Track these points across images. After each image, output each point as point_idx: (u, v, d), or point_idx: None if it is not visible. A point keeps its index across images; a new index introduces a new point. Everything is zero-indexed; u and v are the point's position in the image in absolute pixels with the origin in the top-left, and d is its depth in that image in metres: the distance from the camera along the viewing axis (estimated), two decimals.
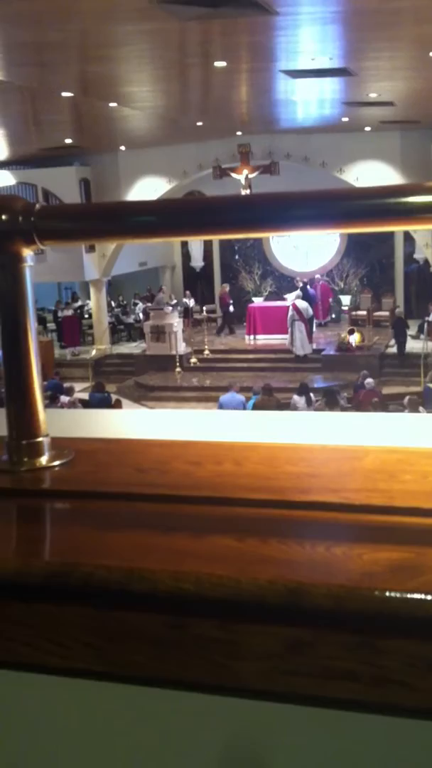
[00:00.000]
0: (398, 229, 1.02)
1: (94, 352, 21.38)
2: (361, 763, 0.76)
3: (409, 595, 0.69)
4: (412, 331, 20.86)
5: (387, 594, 0.69)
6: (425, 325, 19.69)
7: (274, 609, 0.72)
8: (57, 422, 1.09)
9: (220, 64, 11.32)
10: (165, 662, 0.77)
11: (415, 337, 20.39)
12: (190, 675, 0.76)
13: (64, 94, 12.77)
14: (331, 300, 23.00)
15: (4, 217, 1.00)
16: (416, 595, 0.68)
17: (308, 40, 10.70)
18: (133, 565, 0.78)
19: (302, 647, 0.72)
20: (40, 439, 1.05)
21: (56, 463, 1.04)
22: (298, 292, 20.97)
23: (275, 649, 0.73)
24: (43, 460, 1.04)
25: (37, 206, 1.01)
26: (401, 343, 19.53)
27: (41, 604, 0.80)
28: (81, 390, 17.06)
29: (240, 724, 0.80)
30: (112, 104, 14.07)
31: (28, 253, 1.03)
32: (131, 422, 1.46)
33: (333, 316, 23.20)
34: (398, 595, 0.69)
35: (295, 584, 0.72)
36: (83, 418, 1.54)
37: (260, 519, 0.88)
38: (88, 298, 23.31)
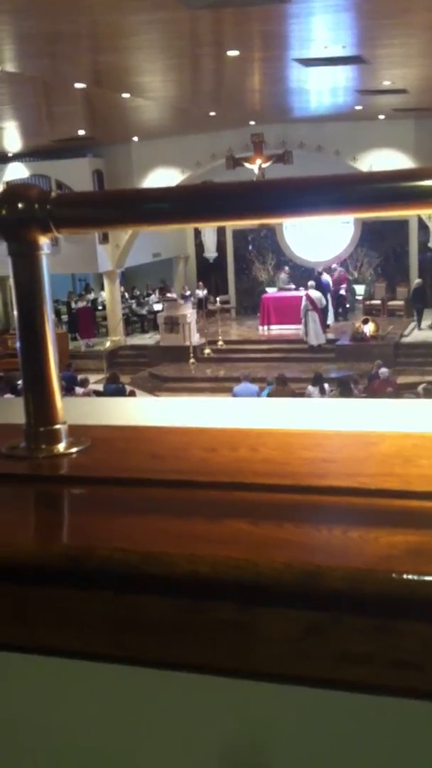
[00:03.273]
0: (411, 213, 1.01)
1: (108, 344, 21.42)
2: (377, 744, 0.77)
3: (426, 578, 0.69)
4: (427, 320, 20.85)
5: (404, 577, 0.69)
6: None
7: (290, 592, 0.72)
8: (74, 410, 1.10)
9: (232, 53, 11.27)
10: (182, 645, 0.77)
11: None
12: (207, 658, 0.77)
13: (77, 85, 12.75)
14: (344, 288, 22.92)
15: (20, 205, 1.01)
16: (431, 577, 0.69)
17: (321, 27, 10.64)
18: (150, 549, 0.79)
19: (319, 630, 0.73)
20: (57, 426, 1.06)
21: (73, 450, 1.05)
22: (311, 281, 20.91)
23: (292, 633, 0.73)
24: (61, 447, 1.05)
25: (53, 194, 1.02)
26: (420, 310, 19.77)
27: (59, 589, 0.80)
28: (95, 381, 17.11)
29: (256, 707, 0.80)
30: (125, 95, 14.05)
31: (44, 241, 1.03)
32: (147, 410, 1.47)
33: (348, 305, 23.13)
34: (415, 578, 0.69)
35: (312, 567, 0.73)
36: (100, 407, 1.55)
37: (276, 504, 0.89)
38: (102, 289, 23.34)
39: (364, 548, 0.77)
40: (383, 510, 0.84)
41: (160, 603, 0.77)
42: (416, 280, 21.43)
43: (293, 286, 22.56)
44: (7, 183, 13.64)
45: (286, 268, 23.48)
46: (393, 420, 1.20)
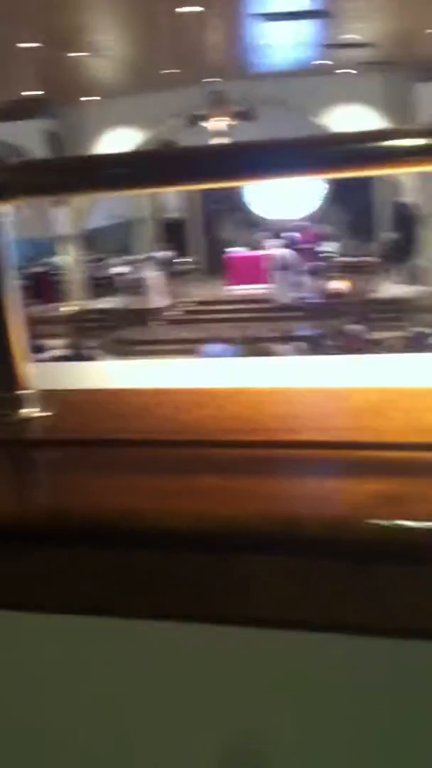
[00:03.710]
0: (376, 173, 1.09)
1: (69, 308, 21.00)
2: (363, 681, 0.80)
3: (397, 523, 0.72)
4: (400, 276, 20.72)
5: (376, 522, 0.73)
6: (414, 271, 19.47)
7: (270, 541, 0.75)
8: (41, 376, 1.10)
9: (192, 8, 10.81)
10: (164, 597, 0.80)
11: (402, 283, 20.22)
12: (190, 607, 0.80)
13: (26, 45, 12.19)
14: (314, 246, 22.65)
15: None
16: (403, 522, 0.72)
17: None
18: (127, 506, 0.82)
19: (298, 576, 0.76)
20: (24, 391, 1.07)
21: (41, 414, 1.07)
22: (279, 240, 20.63)
23: (273, 579, 0.76)
24: (28, 411, 1.07)
25: (8, 162, 0.97)
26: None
27: (39, 548, 0.82)
28: (61, 347, 16.80)
29: (243, 652, 0.82)
30: (79, 54, 13.50)
31: (3, 207, 1.04)
32: (113, 374, 1.52)
33: (320, 263, 22.87)
34: (387, 523, 0.73)
35: (291, 516, 0.76)
36: (67, 371, 1.58)
37: (247, 459, 0.91)
38: (66, 253, 22.81)
39: (338, 497, 0.81)
40: (356, 461, 0.88)
41: (140, 558, 0.80)
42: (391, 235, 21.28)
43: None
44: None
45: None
46: (363, 375, 1.24)
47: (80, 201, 20.65)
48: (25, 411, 1.06)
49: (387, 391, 1.05)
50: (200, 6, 10.79)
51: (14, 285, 1.06)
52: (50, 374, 1.36)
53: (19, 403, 1.07)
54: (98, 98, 19.55)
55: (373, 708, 0.81)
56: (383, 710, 0.80)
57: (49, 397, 1.10)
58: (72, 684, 0.89)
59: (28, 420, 1.06)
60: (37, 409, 1.07)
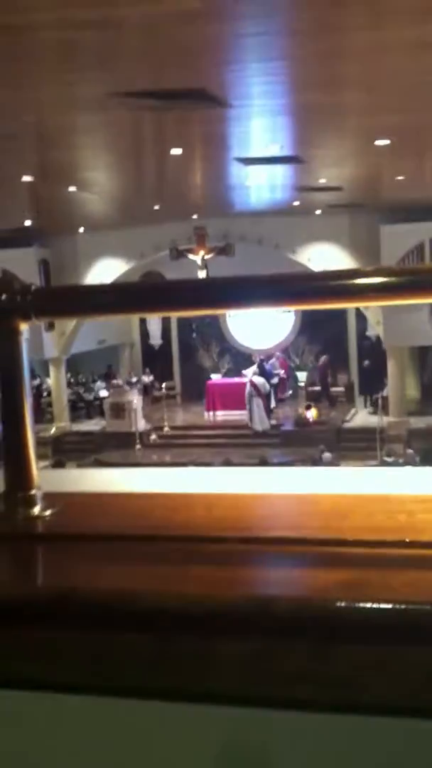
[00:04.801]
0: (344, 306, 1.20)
1: (53, 430, 21.29)
2: (325, 757, 0.86)
3: (358, 605, 0.82)
4: (366, 406, 21.38)
5: (338, 604, 0.82)
6: (379, 401, 20.08)
7: (246, 620, 0.84)
8: (46, 480, 1.21)
9: (175, 151, 11.74)
10: (155, 674, 0.88)
11: (372, 413, 20.78)
12: (178, 685, 0.87)
13: (24, 178, 13.09)
14: (283, 374, 23.34)
15: (3, 296, 1.16)
16: (364, 604, 0.82)
17: (260, 129, 11.23)
18: (124, 587, 0.92)
19: (269, 655, 0.84)
20: (33, 491, 1.17)
21: (47, 512, 1.17)
22: (254, 368, 21.28)
23: (246, 658, 0.85)
24: (36, 510, 1.17)
25: (33, 287, 1.19)
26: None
27: (43, 627, 0.90)
28: (42, 467, 16.85)
29: (223, 731, 0.89)
30: (71, 188, 14.43)
31: (24, 327, 1.17)
32: (111, 479, 1.59)
33: (290, 392, 23.56)
34: (348, 604, 0.82)
35: (265, 597, 0.87)
36: (70, 476, 1.69)
37: (230, 552, 1.01)
38: (47, 375, 23.35)
39: (306, 582, 0.92)
40: (322, 555, 0.98)
41: (133, 636, 0.88)
42: (365, 362, 22.19)
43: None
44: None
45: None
46: (330, 485, 1.35)
47: (67, 326, 21.37)
48: (32, 509, 1.16)
49: (351, 497, 1.17)
50: (182, 149, 11.65)
51: (28, 397, 1.20)
52: (55, 478, 1.45)
53: (27, 502, 1.16)
54: (88, 230, 20.47)
55: None
56: None
57: (54, 498, 1.19)
58: (65, 757, 0.95)
59: (36, 517, 1.15)
60: (43, 508, 1.17)
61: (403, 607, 0.82)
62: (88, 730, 0.94)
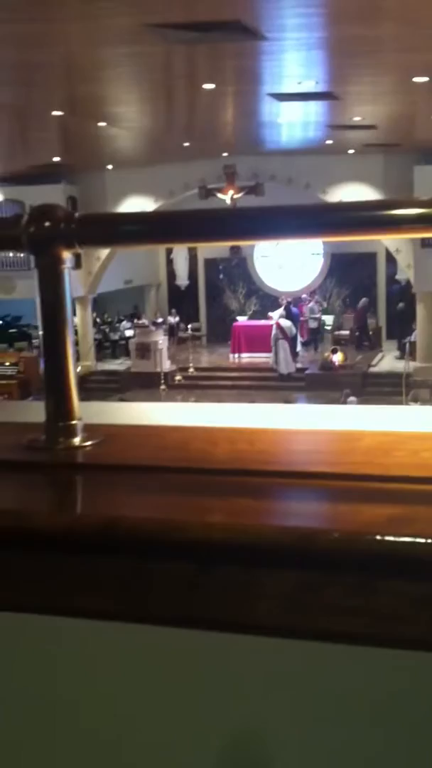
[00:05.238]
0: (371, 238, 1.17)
1: (79, 369, 21.29)
2: (363, 690, 0.87)
3: (403, 539, 0.80)
4: (393, 351, 21.24)
5: (385, 539, 0.81)
6: (407, 345, 19.94)
7: (288, 553, 0.83)
8: (87, 411, 1.20)
9: (207, 86, 11.52)
10: (193, 604, 0.87)
11: (399, 358, 20.66)
12: (220, 615, 0.87)
13: (53, 113, 12.93)
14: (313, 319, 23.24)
15: (47, 223, 1.13)
16: (409, 539, 0.80)
17: (294, 64, 10.94)
18: (167, 517, 0.90)
19: (312, 587, 0.83)
20: (74, 422, 1.16)
21: (88, 443, 1.15)
22: (281, 310, 21.16)
23: (289, 590, 0.83)
24: (77, 440, 1.15)
25: (77, 215, 1.15)
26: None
27: (85, 557, 0.90)
28: None
29: (258, 662, 0.89)
30: (101, 124, 14.25)
31: (67, 256, 1.14)
32: (152, 412, 1.59)
33: (318, 335, 23.46)
34: (394, 539, 0.80)
35: (308, 531, 0.84)
36: (110, 408, 1.68)
37: (274, 486, 1.00)
38: (74, 314, 23.39)
39: (351, 517, 0.89)
40: (366, 490, 0.96)
41: (175, 566, 0.87)
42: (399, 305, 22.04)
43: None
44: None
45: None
46: (371, 422, 1.33)
47: (93, 265, 21.32)
48: (73, 439, 1.15)
49: (393, 435, 1.15)
50: (215, 84, 11.43)
51: (70, 327, 1.18)
52: (95, 410, 1.44)
53: (68, 432, 1.15)
54: (116, 167, 20.26)
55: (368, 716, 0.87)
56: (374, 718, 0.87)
57: (95, 429, 1.18)
58: (98, 682, 0.97)
59: (76, 447, 1.14)
60: (84, 438, 1.15)
61: None
62: (130, 659, 0.94)
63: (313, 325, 22.73)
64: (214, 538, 0.86)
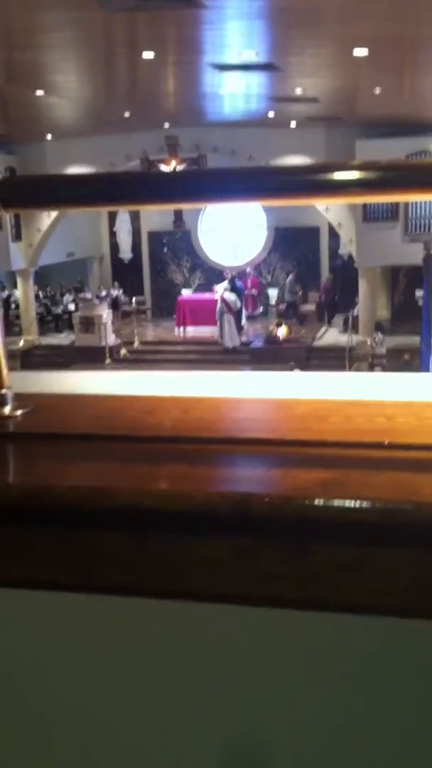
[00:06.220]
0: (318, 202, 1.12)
1: (22, 343, 21.11)
2: (299, 653, 0.89)
3: (336, 503, 0.81)
4: (337, 325, 21.43)
5: (317, 502, 0.81)
6: (350, 319, 20.12)
7: (223, 519, 0.83)
8: (18, 381, 1.18)
9: (148, 55, 11.33)
10: (128, 572, 0.87)
11: (342, 332, 20.85)
12: (151, 583, 0.87)
13: None
14: (256, 292, 23.31)
15: None
16: (342, 503, 0.81)
17: (235, 33, 10.84)
18: (100, 485, 0.90)
19: (246, 553, 0.83)
20: (3, 390, 1.15)
21: (18, 412, 1.14)
22: (226, 284, 21.14)
23: (224, 556, 0.84)
24: (6, 409, 1.14)
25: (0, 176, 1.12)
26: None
27: (16, 525, 0.89)
28: None
29: (196, 628, 0.91)
30: (39, 92, 13.92)
31: None
32: (85, 382, 1.57)
33: (261, 309, 23.51)
34: (326, 502, 0.81)
35: (241, 496, 0.85)
36: (41, 378, 1.66)
37: (209, 453, 1.00)
38: (15, 287, 23.00)
39: (283, 481, 0.90)
40: (300, 455, 0.97)
41: (109, 534, 0.87)
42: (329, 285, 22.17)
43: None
44: None
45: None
46: (307, 390, 1.34)
47: (34, 237, 20.96)
48: (2, 409, 1.13)
49: (328, 402, 1.16)
50: (155, 53, 11.26)
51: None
52: (26, 380, 1.42)
53: (1, 401, 1.14)
54: (56, 138, 19.86)
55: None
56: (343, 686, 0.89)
57: (25, 398, 1.17)
58: (50, 657, 0.97)
59: (5, 417, 1.13)
60: (14, 408, 1.14)
61: (381, 506, 0.80)
62: (65, 626, 0.94)
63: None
64: (147, 505, 0.85)
